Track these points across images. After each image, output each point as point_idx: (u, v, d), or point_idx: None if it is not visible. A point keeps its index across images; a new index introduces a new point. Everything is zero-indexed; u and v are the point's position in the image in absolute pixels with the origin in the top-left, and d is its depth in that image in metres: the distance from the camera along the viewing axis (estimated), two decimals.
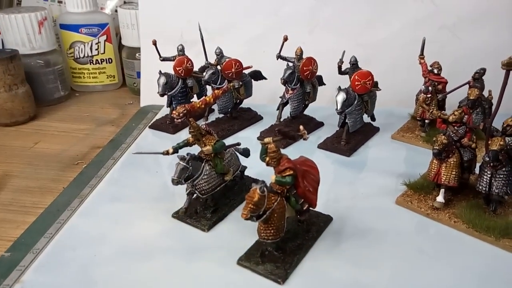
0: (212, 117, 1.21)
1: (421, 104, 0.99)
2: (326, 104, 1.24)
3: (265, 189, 0.62)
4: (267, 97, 1.31)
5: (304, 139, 0.67)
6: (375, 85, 1.08)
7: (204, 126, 0.76)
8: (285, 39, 1.09)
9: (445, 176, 0.79)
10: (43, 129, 1.25)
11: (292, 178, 0.65)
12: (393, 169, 0.97)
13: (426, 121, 1.08)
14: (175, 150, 0.77)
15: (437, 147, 0.76)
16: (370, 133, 1.12)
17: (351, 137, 1.06)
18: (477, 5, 1.26)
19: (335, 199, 0.86)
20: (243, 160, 0.86)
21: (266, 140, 0.66)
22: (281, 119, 1.12)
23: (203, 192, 0.76)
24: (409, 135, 1.11)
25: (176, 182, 0.73)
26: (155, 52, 1.16)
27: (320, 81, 1.19)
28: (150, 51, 1.19)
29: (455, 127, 0.81)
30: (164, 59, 1.14)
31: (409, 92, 1.21)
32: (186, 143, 0.77)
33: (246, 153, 0.85)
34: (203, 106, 0.71)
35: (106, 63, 1.51)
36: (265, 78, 1.23)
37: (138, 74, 1.44)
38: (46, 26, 1.33)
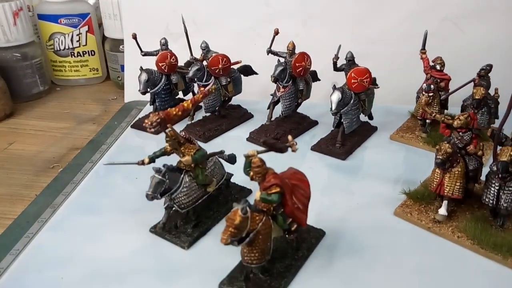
0: (198, 115, 1.13)
1: (423, 107, 0.91)
2: (321, 100, 1.16)
3: (248, 209, 0.55)
4: (258, 93, 1.23)
5: (293, 150, 0.60)
6: (373, 82, 1.01)
7: (183, 133, 0.69)
8: (276, 32, 1.00)
9: (448, 187, 0.72)
10: (19, 127, 1.18)
11: (279, 196, 0.58)
12: (392, 174, 0.90)
13: (428, 121, 1.01)
14: (151, 159, 0.70)
15: (440, 157, 0.68)
16: (367, 133, 1.05)
17: (347, 138, 0.99)
18: None
19: (328, 210, 0.79)
20: (228, 167, 0.79)
21: (250, 153, 0.59)
22: (272, 119, 1.04)
23: (182, 206, 0.69)
24: (408, 136, 1.03)
25: (151, 197, 0.66)
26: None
27: (314, 76, 1.11)
28: (135, 44, 1.11)
29: (460, 133, 0.74)
30: (146, 54, 1.05)
31: (409, 89, 1.13)
32: (164, 152, 0.70)
33: (232, 160, 0.78)
34: (180, 113, 0.63)
35: (89, 55, 1.42)
36: (256, 73, 1.15)
37: (122, 67, 1.36)
38: (22, 16, 1.24)
